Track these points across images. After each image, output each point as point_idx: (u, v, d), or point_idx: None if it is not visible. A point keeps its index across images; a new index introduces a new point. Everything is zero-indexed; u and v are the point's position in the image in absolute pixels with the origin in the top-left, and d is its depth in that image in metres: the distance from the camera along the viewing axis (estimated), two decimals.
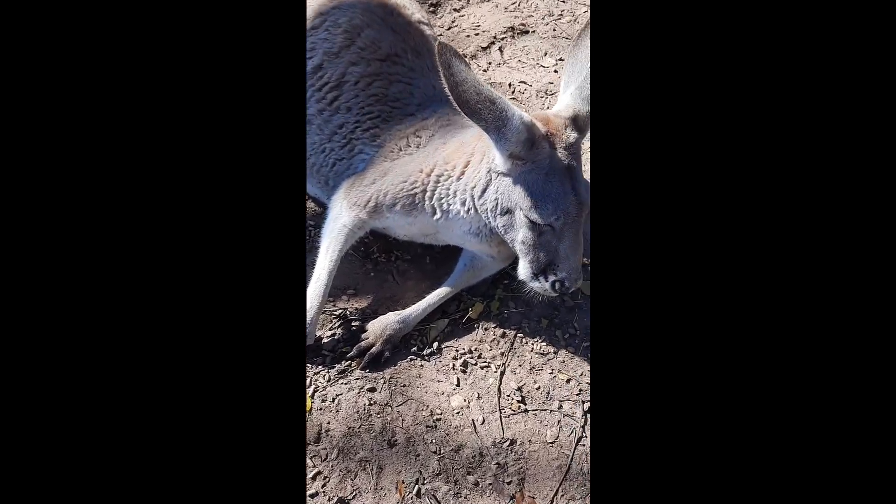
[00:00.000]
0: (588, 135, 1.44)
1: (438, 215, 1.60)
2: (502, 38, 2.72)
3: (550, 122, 1.39)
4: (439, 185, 1.56)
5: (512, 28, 2.76)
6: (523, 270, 1.50)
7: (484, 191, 1.47)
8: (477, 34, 2.73)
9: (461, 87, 1.26)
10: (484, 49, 2.67)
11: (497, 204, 1.45)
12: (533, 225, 1.40)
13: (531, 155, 1.33)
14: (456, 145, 1.57)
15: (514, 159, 1.34)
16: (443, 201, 1.57)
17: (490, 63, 2.62)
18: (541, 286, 1.49)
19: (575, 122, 1.40)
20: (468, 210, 1.55)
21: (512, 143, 1.30)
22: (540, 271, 1.47)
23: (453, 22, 2.75)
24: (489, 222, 1.51)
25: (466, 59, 2.70)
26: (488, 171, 1.44)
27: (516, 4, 2.85)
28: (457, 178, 1.54)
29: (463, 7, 2.82)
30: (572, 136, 1.38)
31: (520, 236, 1.45)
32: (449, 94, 1.27)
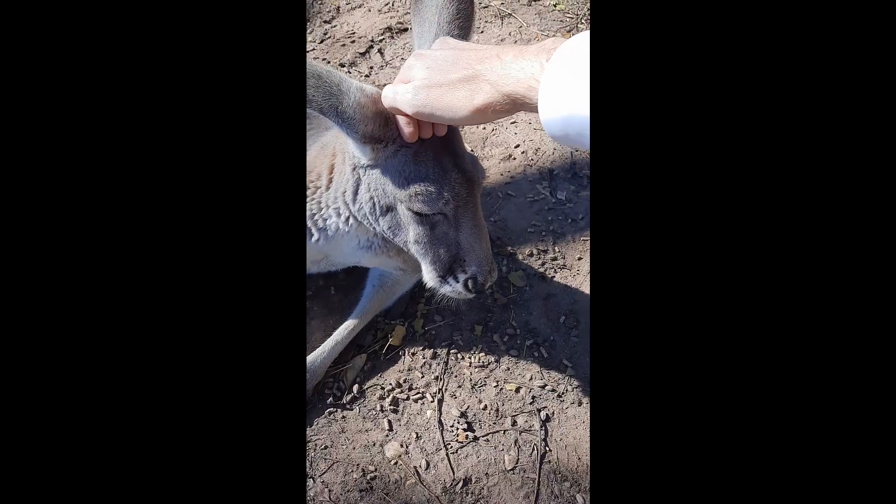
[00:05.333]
0: None
1: (317, 236, 1.33)
2: (381, 41, 2.51)
3: None
4: (309, 201, 1.30)
5: (389, 28, 2.56)
6: (428, 275, 1.23)
7: (356, 193, 1.21)
8: (353, 41, 2.51)
9: None
10: (363, 54, 2.46)
11: (374, 204, 1.19)
12: (420, 218, 1.15)
13: (390, 133, 1.07)
14: (317, 150, 1.31)
15: (372, 143, 1.08)
16: (317, 218, 1.31)
17: (372, 67, 2.41)
18: (452, 289, 1.22)
19: None
20: (347, 221, 1.29)
21: (358, 121, 1.04)
22: (446, 272, 1.21)
23: (325, 34, 2.54)
24: (374, 228, 1.25)
25: (345, 68, 2.51)
26: (353, 169, 1.18)
27: (389, 5, 2.66)
28: (325, 187, 1.28)
29: (333, 18, 2.61)
30: None
31: (411, 236, 1.19)
32: None
